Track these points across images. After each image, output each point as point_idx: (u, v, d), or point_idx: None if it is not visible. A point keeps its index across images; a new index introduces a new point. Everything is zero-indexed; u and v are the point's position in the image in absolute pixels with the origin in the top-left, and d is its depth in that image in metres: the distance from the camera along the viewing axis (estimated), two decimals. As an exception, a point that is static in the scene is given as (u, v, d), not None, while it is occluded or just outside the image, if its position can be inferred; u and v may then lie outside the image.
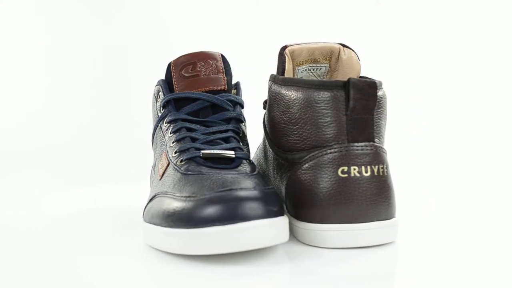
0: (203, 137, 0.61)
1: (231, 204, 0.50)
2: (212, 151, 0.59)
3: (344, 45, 0.66)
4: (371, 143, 0.56)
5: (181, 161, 0.59)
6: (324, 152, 0.56)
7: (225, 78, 0.66)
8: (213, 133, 0.62)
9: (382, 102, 0.58)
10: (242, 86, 0.70)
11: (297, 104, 0.58)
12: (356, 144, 0.55)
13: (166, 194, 0.56)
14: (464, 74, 1.13)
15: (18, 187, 0.83)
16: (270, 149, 0.64)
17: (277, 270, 0.51)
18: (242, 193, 0.51)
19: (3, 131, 0.90)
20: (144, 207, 0.60)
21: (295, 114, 0.58)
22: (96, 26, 0.93)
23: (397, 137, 0.97)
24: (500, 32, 1.13)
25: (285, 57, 0.63)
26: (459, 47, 1.13)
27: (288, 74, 0.63)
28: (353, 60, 0.65)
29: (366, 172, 0.55)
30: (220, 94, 0.64)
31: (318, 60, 0.66)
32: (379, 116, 0.57)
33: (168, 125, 0.64)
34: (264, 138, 0.68)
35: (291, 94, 0.58)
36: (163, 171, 0.62)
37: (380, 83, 0.58)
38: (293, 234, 0.59)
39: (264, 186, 0.54)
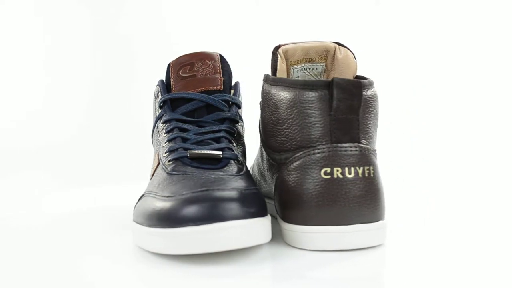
0: (194, 137, 0.61)
1: (206, 204, 0.50)
2: (199, 151, 0.59)
3: (339, 44, 0.65)
4: (356, 144, 0.55)
5: (169, 161, 0.59)
6: (308, 153, 0.55)
7: (222, 78, 0.66)
8: (205, 133, 0.62)
9: (371, 102, 0.57)
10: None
11: (284, 104, 0.57)
12: (339, 145, 0.54)
13: (151, 193, 0.56)
14: (463, 74, 1.11)
15: (18, 187, 0.84)
16: (264, 150, 0.64)
17: (256, 271, 0.51)
18: (219, 194, 0.51)
19: (3, 131, 0.91)
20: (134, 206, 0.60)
21: (282, 114, 0.57)
22: (96, 26, 0.94)
23: (394, 137, 0.96)
24: (498, 33, 1.11)
25: (277, 57, 0.62)
26: (458, 46, 1.11)
27: (281, 73, 0.62)
28: (349, 59, 0.64)
29: (350, 173, 0.54)
30: (215, 94, 0.65)
31: (314, 59, 0.65)
32: (367, 116, 0.56)
33: (163, 125, 0.64)
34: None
35: (279, 94, 0.58)
36: (153, 170, 0.62)
37: (370, 83, 0.57)
38: (282, 236, 0.59)
39: (246, 187, 0.54)
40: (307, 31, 0.78)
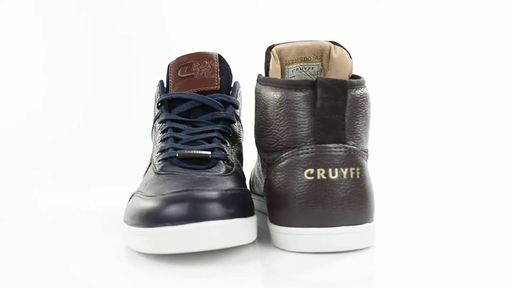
0: (186, 137, 0.61)
1: (185, 204, 0.50)
2: (188, 152, 0.59)
3: (335, 43, 0.64)
4: (341, 144, 0.54)
5: (159, 160, 0.60)
6: (292, 154, 0.54)
7: (219, 79, 0.66)
8: (198, 133, 0.62)
9: (360, 102, 0.56)
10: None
11: (271, 104, 0.57)
12: (323, 145, 0.53)
13: (138, 192, 0.57)
14: (461, 74, 1.08)
15: (18, 187, 0.85)
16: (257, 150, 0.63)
17: (237, 272, 0.50)
18: (198, 194, 0.51)
19: (3, 131, 0.92)
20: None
21: (269, 114, 0.57)
22: (97, 27, 0.95)
23: (392, 137, 0.94)
24: (496, 31, 1.08)
25: (270, 57, 0.62)
26: (457, 45, 1.08)
27: (275, 73, 0.62)
28: (344, 58, 0.63)
29: (334, 175, 0.53)
30: (211, 95, 0.65)
31: (309, 59, 0.64)
32: (355, 116, 0.55)
33: (160, 125, 0.65)
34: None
35: (268, 94, 0.57)
36: (146, 170, 0.63)
37: (359, 82, 0.56)
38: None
39: (231, 187, 0.54)
40: (308, 30, 0.77)
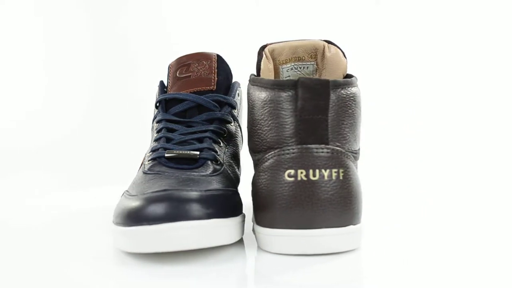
0: (178, 137, 0.62)
1: (162, 204, 0.50)
2: (177, 151, 0.59)
3: (329, 42, 0.63)
4: (324, 145, 0.53)
5: (149, 160, 0.60)
6: (274, 155, 0.54)
7: (216, 79, 0.66)
8: (191, 133, 0.62)
9: (347, 102, 0.54)
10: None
11: (257, 104, 0.56)
12: (304, 146, 0.53)
13: (125, 192, 0.57)
14: (459, 73, 1.06)
15: (18, 187, 0.86)
16: None
17: (212, 272, 0.50)
18: (177, 194, 0.51)
19: (3, 131, 0.93)
20: None
21: (255, 115, 0.56)
22: (98, 27, 0.95)
23: (388, 136, 0.92)
24: (493, 33, 1.06)
25: (261, 57, 0.61)
26: (453, 44, 1.06)
27: (267, 73, 0.61)
28: (338, 57, 0.62)
29: (314, 176, 0.52)
30: (206, 95, 0.65)
31: (303, 58, 0.63)
32: (341, 116, 0.54)
33: (156, 125, 0.65)
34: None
35: (255, 94, 0.57)
36: (138, 169, 0.63)
37: (346, 82, 0.55)
38: None
39: (213, 187, 0.54)
40: (310, 30, 0.76)
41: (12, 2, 0.93)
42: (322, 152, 0.53)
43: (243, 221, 0.58)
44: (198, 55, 0.68)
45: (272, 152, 0.54)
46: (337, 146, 0.54)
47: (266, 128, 0.55)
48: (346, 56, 0.62)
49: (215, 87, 0.66)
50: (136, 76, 0.89)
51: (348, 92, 0.55)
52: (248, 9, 0.95)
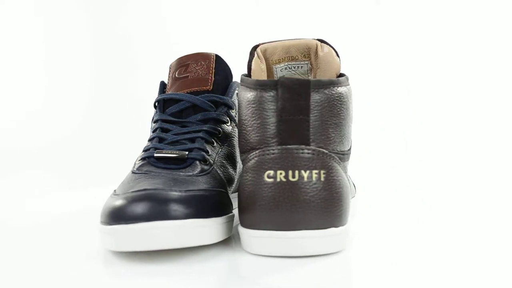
0: (171, 137, 0.62)
1: (139, 204, 0.51)
2: (166, 151, 0.59)
3: (322, 41, 0.62)
4: (304, 146, 0.52)
5: (139, 160, 0.60)
6: (255, 155, 0.53)
7: (213, 79, 0.66)
8: (184, 133, 0.63)
9: (333, 101, 0.53)
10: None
11: (243, 104, 0.56)
12: (285, 147, 0.52)
13: (113, 191, 0.58)
14: (454, 74, 1.04)
15: (18, 187, 0.86)
16: None
17: (190, 272, 0.51)
18: (155, 193, 0.51)
19: (3, 131, 0.94)
20: None
21: (241, 115, 0.56)
22: (99, 27, 0.95)
23: (383, 136, 0.90)
24: (490, 34, 1.03)
25: (252, 56, 0.61)
26: (450, 43, 1.03)
27: (259, 73, 0.61)
28: (330, 57, 0.61)
29: (294, 177, 0.51)
30: (202, 95, 0.65)
31: (296, 57, 0.63)
32: (325, 116, 0.53)
33: (153, 125, 0.66)
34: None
35: (241, 94, 0.57)
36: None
37: (330, 81, 0.54)
38: None
39: (196, 188, 0.54)
40: (312, 30, 0.76)
41: (12, 2, 0.94)
42: (303, 153, 0.52)
43: (230, 221, 0.57)
44: (197, 56, 0.68)
45: (255, 153, 0.54)
46: (320, 147, 0.53)
47: (249, 128, 0.55)
48: (339, 55, 0.61)
49: (211, 87, 0.66)
50: (138, 77, 0.90)
51: (333, 92, 0.54)
52: (249, 9, 0.95)
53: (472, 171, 0.93)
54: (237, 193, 0.56)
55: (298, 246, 0.51)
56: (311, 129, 0.52)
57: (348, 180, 0.58)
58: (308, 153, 0.52)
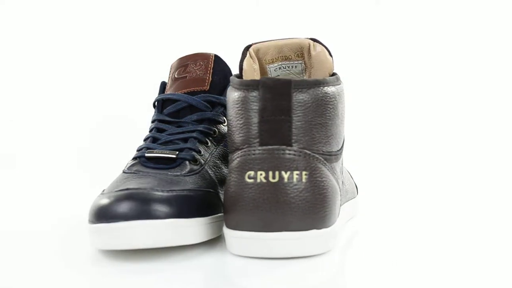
0: (165, 137, 0.62)
1: (118, 203, 0.52)
2: (156, 151, 0.60)
3: (315, 40, 0.61)
4: (286, 147, 0.51)
5: (132, 159, 0.61)
6: (238, 156, 0.53)
7: (210, 79, 0.66)
8: (179, 133, 0.63)
9: (319, 101, 0.53)
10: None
11: (228, 105, 0.56)
12: (266, 147, 0.51)
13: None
14: (450, 73, 1.02)
15: (18, 187, 0.87)
16: None
17: (169, 270, 0.51)
18: (136, 193, 0.52)
19: (3, 131, 0.94)
20: None
21: (228, 115, 0.56)
22: (99, 26, 0.95)
23: (373, 135, 0.89)
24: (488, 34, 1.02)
25: (244, 56, 0.60)
26: (446, 43, 1.02)
27: (251, 73, 0.60)
28: (322, 56, 0.60)
29: (274, 178, 0.51)
30: (198, 95, 0.65)
31: (290, 57, 0.62)
32: (309, 116, 0.52)
33: (151, 125, 0.66)
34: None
35: (228, 94, 0.57)
36: None
37: (316, 81, 0.53)
38: None
39: (180, 188, 0.55)
40: (313, 30, 0.75)
41: (12, 2, 0.95)
42: (283, 153, 0.51)
43: (218, 221, 0.57)
44: (196, 56, 0.69)
45: (238, 153, 0.53)
46: (303, 147, 0.52)
47: (234, 128, 0.54)
48: (332, 54, 0.61)
49: (208, 87, 0.66)
50: (139, 77, 0.90)
51: (319, 92, 0.53)
52: (251, 9, 0.94)
53: (474, 172, 0.92)
54: None
55: (278, 248, 0.51)
56: (293, 130, 0.52)
57: (337, 181, 0.57)
58: (290, 153, 0.51)
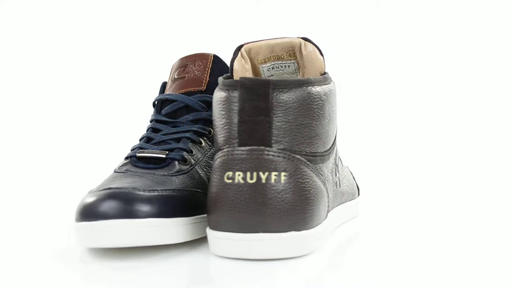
0: (159, 137, 0.63)
1: (99, 202, 0.52)
2: (148, 151, 0.60)
3: (306, 39, 0.60)
4: (264, 147, 0.51)
5: (124, 159, 0.62)
6: (219, 156, 0.53)
7: (207, 79, 0.66)
8: (173, 133, 0.63)
9: (302, 101, 0.52)
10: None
11: (213, 105, 0.56)
12: (243, 148, 0.51)
13: None
14: (445, 72, 1.00)
15: (18, 187, 0.87)
16: None
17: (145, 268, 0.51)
18: (116, 192, 0.53)
19: (3, 131, 0.96)
20: None
21: (212, 115, 0.56)
22: (99, 26, 0.96)
23: (366, 136, 0.86)
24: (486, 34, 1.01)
25: (235, 56, 0.60)
26: (442, 42, 1.00)
27: (242, 73, 0.60)
28: (313, 55, 0.60)
29: (252, 178, 0.50)
30: (195, 95, 0.65)
31: (282, 57, 0.62)
32: (291, 117, 0.52)
33: (149, 124, 0.67)
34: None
35: (213, 94, 0.57)
36: None
37: (299, 81, 0.52)
38: None
39: (163, 188, 0.55)
40: (315, 29, 0.74)
41: (12, 2, 0.96)
42: (262, 154, 0.51)
43: (203, 222, 0.57)
44: (195, 56, 0.69)
45: (219, 153, 0.53)
46: (283, 148, 0.52)
47: (217, 129, 0.54)
48: (323, 53, 0.60)
49: (205, 87, 0.66)
50: (140, 77, 0.91)
51: (302, 92, 0.53)
52: (253, 9, 0.94)
53: (475, 174, 0.91)
54: None
55: (256, 249, 0.51)
56: (273, 130, 0.51)
57: (324, 182, 0.56)
58: (268, 154, 0.51)
